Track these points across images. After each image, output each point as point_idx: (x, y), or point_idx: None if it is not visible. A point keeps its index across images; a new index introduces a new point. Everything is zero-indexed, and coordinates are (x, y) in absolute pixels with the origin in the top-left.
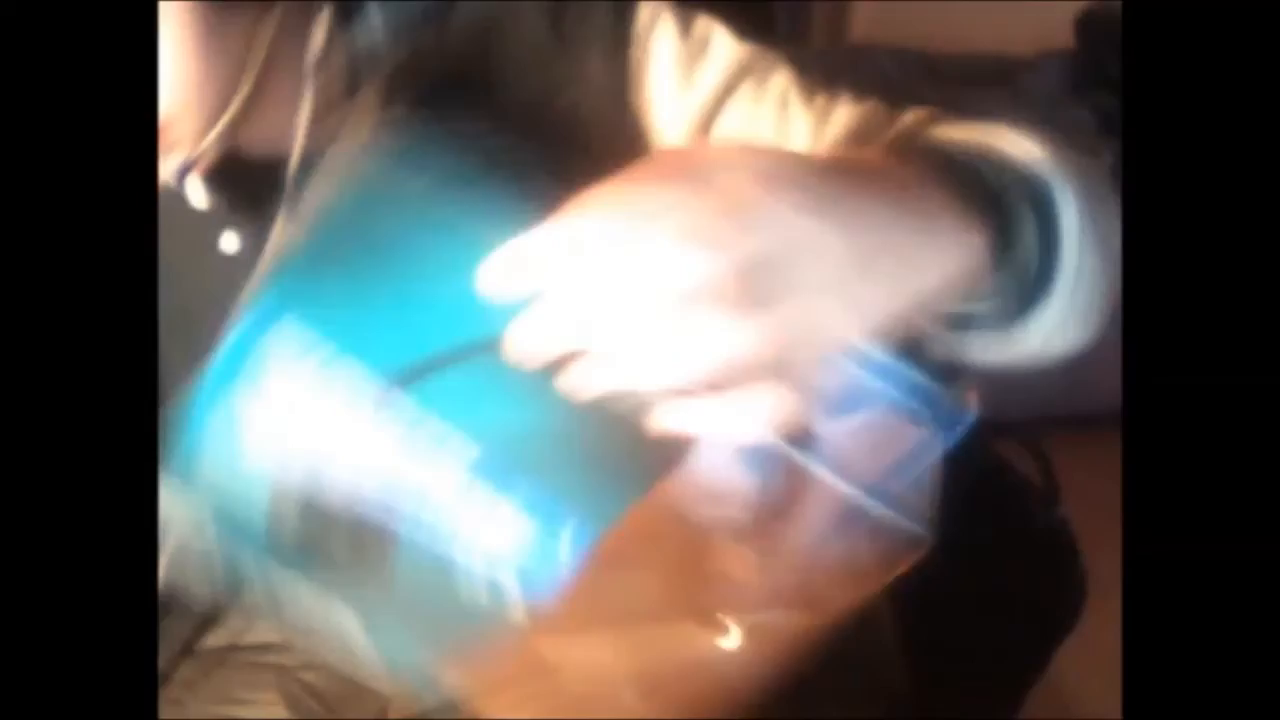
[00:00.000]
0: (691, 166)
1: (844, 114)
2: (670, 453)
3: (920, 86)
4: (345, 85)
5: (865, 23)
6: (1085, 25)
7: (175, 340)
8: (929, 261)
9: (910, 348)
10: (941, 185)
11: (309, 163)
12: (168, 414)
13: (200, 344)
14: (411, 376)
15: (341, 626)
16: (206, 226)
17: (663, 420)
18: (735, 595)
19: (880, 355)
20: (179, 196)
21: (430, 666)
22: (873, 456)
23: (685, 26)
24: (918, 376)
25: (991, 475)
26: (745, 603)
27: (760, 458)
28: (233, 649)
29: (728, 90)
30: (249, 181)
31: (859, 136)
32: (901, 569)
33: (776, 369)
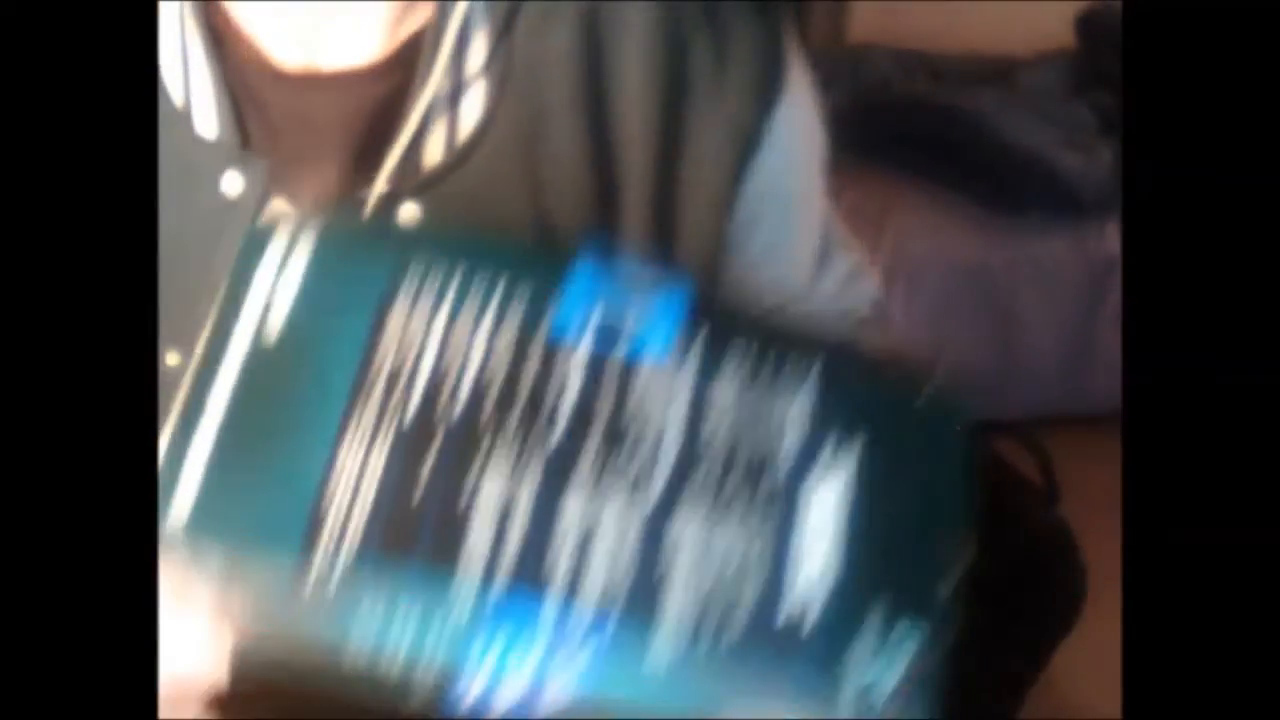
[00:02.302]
0: None
1: None
2: None
3: (920, 86)
4: None
5: (865, 23)
6: (1085, 25)
7: (163, 290)
8: None
9: None
10: None
11: None
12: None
13: (189, 295)
14: None
15: None
16: (209, 161)
17: None
18: None
19: None
20: (185, 119)
21: None
22: None
23: None
24: None
25: (991, 474)
26: None
27: None
28: None
29: None
30: None
31: None
32: None
33: None
